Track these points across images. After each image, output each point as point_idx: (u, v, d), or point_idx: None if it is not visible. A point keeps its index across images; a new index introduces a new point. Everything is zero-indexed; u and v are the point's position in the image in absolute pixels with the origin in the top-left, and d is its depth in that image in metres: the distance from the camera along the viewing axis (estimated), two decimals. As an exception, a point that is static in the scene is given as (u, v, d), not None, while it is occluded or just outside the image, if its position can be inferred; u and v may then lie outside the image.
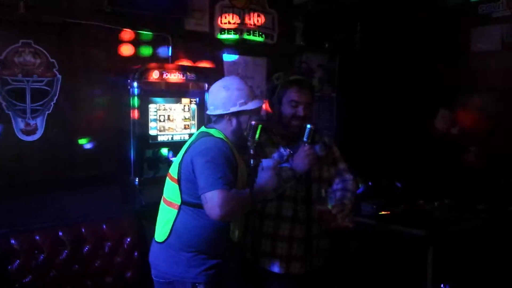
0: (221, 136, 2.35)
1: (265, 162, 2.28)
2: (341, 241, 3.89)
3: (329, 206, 2.46)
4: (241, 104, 2.35)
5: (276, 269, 2.54)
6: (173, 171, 2.37)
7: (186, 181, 2.29)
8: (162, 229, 2.37)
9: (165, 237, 2.34)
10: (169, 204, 2.36)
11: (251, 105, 2.36)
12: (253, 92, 2.43)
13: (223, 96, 2.37)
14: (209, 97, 2.46)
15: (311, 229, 2.55)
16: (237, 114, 2.37)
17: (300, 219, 2.51)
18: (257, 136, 2.25)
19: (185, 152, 2.34)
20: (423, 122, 4.83)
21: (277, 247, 2.53)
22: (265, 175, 2.25)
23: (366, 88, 5.36)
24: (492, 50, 4.81)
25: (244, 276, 2.58)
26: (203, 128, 2.47)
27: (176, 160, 2.40)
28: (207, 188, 2.16)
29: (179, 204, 2.31)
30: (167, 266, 2.35)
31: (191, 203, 2.28)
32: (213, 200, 2.14)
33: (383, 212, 4.00)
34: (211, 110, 2.43)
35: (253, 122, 2.26)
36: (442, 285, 3.75)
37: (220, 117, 2.40)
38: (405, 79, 5.37)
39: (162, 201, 2.43)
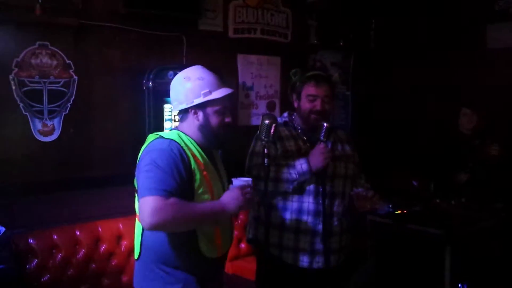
0: (173, 136, 2.07)
1: (235, 182, 2.10)
2: (357, 240, 3.88)
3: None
4: (205, 94, 2.08)
5: (298, 263, 2.55)
6: (135, 182, 2.11)
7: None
8: (135, 245, 2.16)
9: (138, 254, 2.12)
10: (137, 217, 2.10)
11: (216, 94, 2.10)
12: (220, 81, 2.18)
13: (185, 88, 2.11)
14: (171, 92, 2.18)
15: (333, 224, 2.57)
16: (202, 106, 2.10)
17: (321, 214, 2.52)
18: (271, 135, 2.18)
19: (137, 160, 2.11)
20: (439, 119, 4.79)
21: (300, 241, 2.53)
22: (228, 194, 2.04)
23: (381, 86, 5.34)
24: (509, 46, 4.76)
25: (268, 272, 2.59)
26: (157, 132, 2.20)
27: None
28: (141, 193, 1.92)
29: None
30: (145, 285, 2.12)
31: None
32: (144, 207, 1.88)
33: (399, 211, 3.98)
34: (176, 106, 2.17)
35: (266, 121, 2.18)
36: (460, 285, 3.71)
37: (185, 112, 2.14)
38: (420, 77, 5.33)
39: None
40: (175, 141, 2.05)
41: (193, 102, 2.10)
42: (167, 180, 1.93)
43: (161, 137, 2.09)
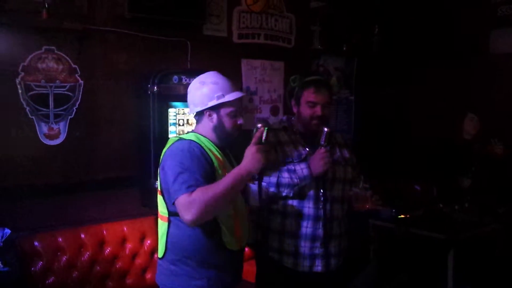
0: (192, 138, 2.23)
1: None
2: (360, 244, 3.89)
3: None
4: (218, 97, 2.22)
5: (299, 267, 2.55)
6: (158, 183, 2.27)
7: (166, 191, 2.18)
8: (159, 244, 2.27)
9: (163, 252, 2.23)
10: (161, 217, 2.26)
11: (229, 97, 2.23)
12: (233, 85, 2.31)
13: (200, 92, 2.26)
14: (188, 96, 2.33)
15: (333, 228, 2.58)
16: (216, 108, 2.24)
17: (321, 218, 2.54)
18: (263, 139, 2.15)
19: (160, 162, 2.25)
20: (442, 124, 4.80)
21: (300, 245, 2.54)
22: (245, 157, 2.09)
23: (384, 91, 5.36)
24: (512, 52, 4.78)
25: (268, 276, 2.59)
26: (175, 135, 2.36)
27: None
28: (174, 195, 2.07)
29: (167, 216, 2.20)
30: (169, 281, 2.22)
31: (176, 212, 2.12)
32: (180, 207, 2.04)
33: (402, 216, 3.99)
34: (192, 109, 2.32)
35: (259, 125, 2.17)
36: (462, 289, 3.72)
37: (200, 114, 2.29)
38: (423, 82, 5.35)
39: (158, 215, 2.32)
40: (195, 141, 2.20)
41: (207, 104, 2.23)
42: (192, 177, 2.06)
43: (181, 139, 2.24)
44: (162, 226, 2.24)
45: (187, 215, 2.01)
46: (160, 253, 2.26)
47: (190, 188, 2.03)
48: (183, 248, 2.18)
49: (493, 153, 4.12)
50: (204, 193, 2.02)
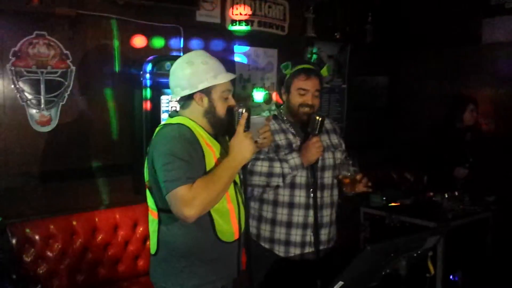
0: (180, 121, 2.04)
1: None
2: (351, 232, 3.92)
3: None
4: (210, 79, 2.03)
5: (289, 255, 2.58)
6: (145, 176, 2.09)
7: (155, 185, 2.00)
8: (151, 240, 2.13)
9: (155, 249, 2.10)
10: (151, 212, 2.10)
11: (222, 78, 2.05)
12: (222, 66, 2.12)
13: (188, 72, 2.04)
14: (172, 78, 2.10)
15: (323, 216, 2.60)
16: (207, 91, 2.05)
17: (312, 206, 2.55)
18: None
19: (147, 153, 2.07)
20: (434, 113, 4.83)
21: (291, 234, 2.56)
22: (235, 144, 1.99)
23: (377, 79, 5.38)
24: (504, 41, 4.79)
25: (259, 265, 2.61)
26: (162, 122, 2.13)
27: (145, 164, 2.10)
28: (167, 188, 1.89)
29: (157, 212, 2.05)
30: (163, 279, 2.10)
31: (166, 208, 1.97)
32: (176, 201, 1.86)
33: (393, 204, 4.02)
34: (178, 92, 2.07)
35: (240, 110, 2.04)
36: (451, 276, 3.77)
37: (188, 98, 2.07)
38: (415, 70, 5.37)
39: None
40: (184, 124, 2.02)
41: (198, 87, 2.04)
42: (188, 167, 1.90)
43: (169, 124, 2.05)
44: (153, 223, 2.09)
45: (188, 210, 1.84)
46: (152, 250, 2.13)
47: (190, 180, 1.86)
48: (176, 246, 2.04)
49: (481, 129, 4.19)
50: (206, 186, 1.87)
